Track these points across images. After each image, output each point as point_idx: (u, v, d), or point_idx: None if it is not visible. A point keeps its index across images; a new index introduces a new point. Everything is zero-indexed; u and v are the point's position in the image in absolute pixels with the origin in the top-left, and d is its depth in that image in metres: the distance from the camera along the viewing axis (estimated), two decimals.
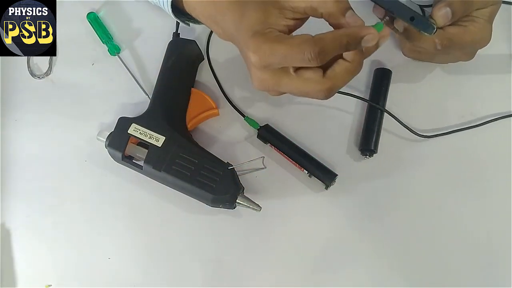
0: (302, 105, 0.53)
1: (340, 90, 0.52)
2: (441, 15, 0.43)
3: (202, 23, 0.45)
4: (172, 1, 0.45)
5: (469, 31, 0.45)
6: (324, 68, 0.37)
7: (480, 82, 0.53)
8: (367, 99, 0.52)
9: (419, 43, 0.45)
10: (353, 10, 0.37)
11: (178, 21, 0.48)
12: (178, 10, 0.47)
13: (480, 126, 0.52)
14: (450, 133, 0.51)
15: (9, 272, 0.49)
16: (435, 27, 0.42)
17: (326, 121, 0.53)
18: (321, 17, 0.37)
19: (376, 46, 0.38)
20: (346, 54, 0.37)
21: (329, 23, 0.38)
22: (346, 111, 0.53)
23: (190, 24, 0.50)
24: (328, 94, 0.37)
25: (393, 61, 0.54)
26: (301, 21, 0.38)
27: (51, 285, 0.49)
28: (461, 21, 0.45)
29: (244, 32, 0.37)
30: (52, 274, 0.49)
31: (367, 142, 0.50)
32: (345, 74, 0.37)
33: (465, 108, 0.53)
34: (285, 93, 0.39)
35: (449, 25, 0.44)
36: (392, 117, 0.51)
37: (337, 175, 0.49)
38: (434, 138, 0.51)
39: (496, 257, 0.48)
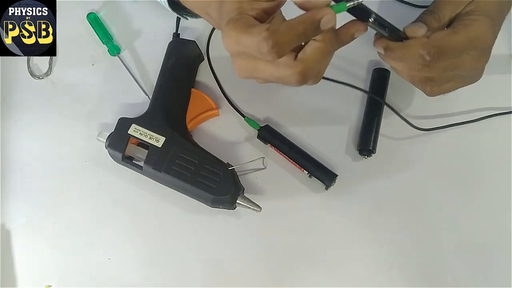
0: (302, 106, 0.53)
1: (340, 80, 0.52)
2: (411, 27, 0.41)
3: (199, 16, 0.45)
4: None
5: (459, 31, 0.40)
6: (298, 51, 0.36)
7: (480, 82, 0.53)
8: (366, 100, 0.53)
9: (401, 56, 0.41)
10: None
11: (177, 15, 0.48)
12: (175, 4, 0.47)
13: (479, 121, 0.52)
14: (447, 127, 0.51)
15: (9, 272, 0.49)
16: (371, 13, 0.36)
17: (326, 122, 0.53)
18: None
19: (351, 37, 0.37)
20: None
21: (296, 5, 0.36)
22: (345, 111, 0.53)
23: (188, 18, 0.50)
24: (301, 78, 0.35)
25: None
26: (273, 3, 0.36)
27: (51, 285, 0.49)
28: (452, 25, 0.42)
29: (224, 20, 0.36)
30: (52, 274, 0.49)
31: (366, 142, 0.50)
32: (317, 54, 0.35)
33: (465, 108, 0.53)
34: (270, 80, 0.38)
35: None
36: (391, 109, 0.51)
37: (337, 175, 0.49)
38: (432, 133, 0.51)
39: (496, 257, 0.48)
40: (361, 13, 0.37)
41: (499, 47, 0.46)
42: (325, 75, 0.41)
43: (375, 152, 0.50)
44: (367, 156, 0.51)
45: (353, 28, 0.37)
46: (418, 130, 0.51)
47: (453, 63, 0.41)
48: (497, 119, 0.52)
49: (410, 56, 0.40)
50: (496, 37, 0.42)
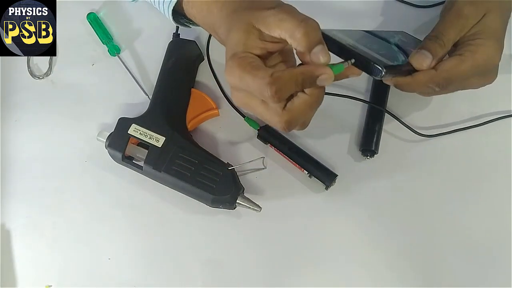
0: None
1: (340, 93, 0.52)
2: (416, 58, 0.41)
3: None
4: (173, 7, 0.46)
5: (467, 59, 0.41)
6: (288, 98, 0.37)
7: None
8: (368, 100, 0.52)
9: (411, 90, 0.43)
10: (323, 45, 0.36)
11: (177, 25, 0.49)
12: (178, 12, 0.47)
13: (480, 126, 0.52)
14: (450, 133, 0.51)
15: (9, 272, 0.49)
16: (381, 70, 0.36)
17: (327, 122, 0.53)
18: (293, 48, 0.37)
19: (346, 77, 0.39)
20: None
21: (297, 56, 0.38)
22: (347, 111, 0.53)
23: (191, 26, 0.50)
24: (286, 126, 0.37)
25: None
26: (279, 45, 0.38)
27: (51, 285, 0.49)
28: (458, 49, 0.42)
29: (228, 50, 0.37)
30: (52, 274, 0.49)
31: (368, 142, 0.50)
32: (304, 107, 0.37)
33: (465, 108, 0.53)
34: (260, 118, 0.40)
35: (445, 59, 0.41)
36: (393, 117, 0.51)
37: (337, 175, 0.49)
38: (435, 138, 0.51)
39: (496, 257, 0.48)
40: (362, 67, 0.38)
41: None
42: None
43: (377, 153, 0.50)
44: (370, 157, 0.51)
45: (349, 71, 0.38)
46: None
47: (461, 85, 0.43)
48: (498, 122, 0.52)
49: (420, 89, 0.43)
50: (502, 51, 0.43)
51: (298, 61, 0.38)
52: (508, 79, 0.53)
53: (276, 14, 0.36)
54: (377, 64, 0.37)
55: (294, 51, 0.37)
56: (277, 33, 0.36)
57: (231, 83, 0.37)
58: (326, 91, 0.42)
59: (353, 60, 0.37)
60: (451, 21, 0.43)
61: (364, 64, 0.37)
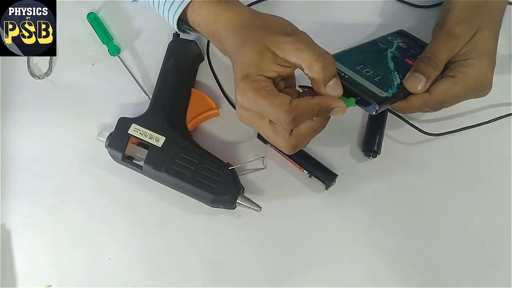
0: None
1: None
2: (410, 83, 0.43)
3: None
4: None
5: (459, 80, 0.42)
6: None
7: None
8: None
9: (405, 113, 0.46)
10: (338, 78, 0.38)
11: (179, 32, 0.49)
12: (181, 20, 0.47)
13: (481, 126, 0.52)
14: (453, 132, 0.51)
15: (9, 272, 0.49)
16: (375, 107, 0.41)
17: (329, 121, 0.53)
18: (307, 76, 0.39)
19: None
20: None
21: (311, 83, 0.40)
22: (350, 111, 0.53)
23: (191, 32, 0.50)
24: (292, 150, 0.40)
25: None
26: (291, 68, 0.39)
27: (51, 285, 0.49)
28: (450, 70, 0.43)
29: (238, 68, 0.39)
30: (52, 274, 0.49)
31: (371, 143, 0.50)
32: (309, 132, 0.40)
33: (465, 108, 0.53)
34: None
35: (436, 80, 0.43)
36: (398, 117, 0.51)
37: (337, 175, 0.49)
38: (437, 138, 0.51)
39: (496, 257, 0.48)
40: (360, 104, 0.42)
41: (499, 47, 0.46)
42: None
43: (380, 153, 0.50)
44: (372, 157, 0.51)
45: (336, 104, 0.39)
46: (421, 133, 0.51)
47: (456, 102, 0.45)
48: (497, 122, 0.52)
49: (414, 112, 0.46)
50: (494, 66, 0.44)
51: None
52: (508, 79, 0.53)
53: (294, 43, 0.38)
54: (372, 101, 0.41)
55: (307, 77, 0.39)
56: (293, 60, 0.38)
57: (242, 103, 0.38)
58: None
59: (358, 98, 0.41)
60: (443, 41, 0.43)
61: (362, 102, 0.42)
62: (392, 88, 0.43)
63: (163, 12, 0.47)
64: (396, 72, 0.45)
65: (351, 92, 0.41)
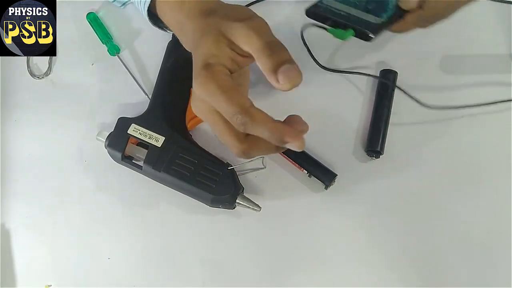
0: (305, 106, 0.53)
1: (347, 70, 0.53)
2: (404, 1, 0.43)
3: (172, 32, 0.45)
4: (149, 7, 0.45)
5: None
6: None
7: (480, 81, 0.53)
8: (373, 101, 0.53)
9: (402, 31, 0.46)
10: (291, 64, 0.33)
11: (157, 27, 0.48)
12: (155, 16, 0.46)
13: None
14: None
15: (9, 272, 0.49)
16: (371, 36, 0.41)
17: (332, 121, 0.53)
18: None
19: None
20: None
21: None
22: (352, 111, 0.53)
23: (168, 31, 0.49)
24: (241, 155, 0.37)
25: (399, 62, 0.54)
26: (249, 59, 0.37)
27: (51, 285, 0.49)
28: None
29: (198, 56, 0.37)
30: (52, 274, 0.49)
31: (373, 143, 0.50)
32: (264, 149, 0.36)
33: (468, 103, 0.52)
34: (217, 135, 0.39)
35: None
36: (404, 92, 0.51)
37: (336, 175, 0.49)
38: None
39: (496, 257, 0.48)
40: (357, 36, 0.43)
41: (499, 47, 0.46)
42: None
43: (383, 154, 0.50)
44: (375, 158, 0.50)
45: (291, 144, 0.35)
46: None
47: (451, 12, 0.44)
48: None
49: (411, 29, 0.45)
50: None
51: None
52: (508, 79, 0.53)
53: (244, 29, 0.35)
54: (367, 30, 0.41)
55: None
56: (245, 48, 0.35)
57: (199, 94, 0.36)
58: (334, 70, 0.49)
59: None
60: None
61: (358, 33, 0.42)
62: (387, 11, 0.44)
63: (139, 8, 0.46)
64: None
65: (346, 26, 0.42)
